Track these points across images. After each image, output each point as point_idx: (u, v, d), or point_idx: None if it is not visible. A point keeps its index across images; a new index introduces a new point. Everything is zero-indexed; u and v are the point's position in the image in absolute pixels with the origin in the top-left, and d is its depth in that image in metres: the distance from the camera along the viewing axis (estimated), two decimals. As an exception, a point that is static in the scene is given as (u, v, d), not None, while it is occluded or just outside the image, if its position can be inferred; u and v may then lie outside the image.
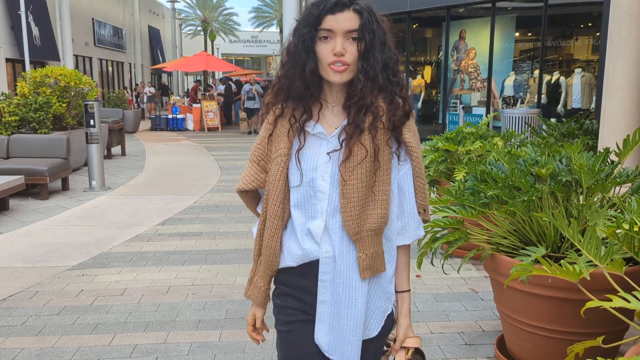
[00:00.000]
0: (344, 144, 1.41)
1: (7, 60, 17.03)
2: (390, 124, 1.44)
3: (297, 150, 1.46)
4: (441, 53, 12.85)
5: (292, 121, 1.46)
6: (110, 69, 27.35)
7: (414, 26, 13.45)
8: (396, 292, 1.56)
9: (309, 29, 1.40)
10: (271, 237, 1.48)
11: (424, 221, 1.57)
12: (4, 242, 5.33)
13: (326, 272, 1.46)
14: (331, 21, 1.37)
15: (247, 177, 1.53)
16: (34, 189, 7.64)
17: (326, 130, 1.47)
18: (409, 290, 1.58)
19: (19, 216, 6.40)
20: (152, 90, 24.84)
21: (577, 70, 10.34)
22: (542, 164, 2.76)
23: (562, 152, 2.90)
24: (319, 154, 1.46)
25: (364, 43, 1.38)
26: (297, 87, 1.43)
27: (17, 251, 5.04)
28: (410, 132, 1.48)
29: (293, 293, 1.53)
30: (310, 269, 1.48)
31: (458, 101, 12.21)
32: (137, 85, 27.43)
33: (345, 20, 1.37)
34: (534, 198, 2.58)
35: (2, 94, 9.31)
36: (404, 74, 13.58)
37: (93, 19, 24.58)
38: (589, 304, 1.67)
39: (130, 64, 30.44)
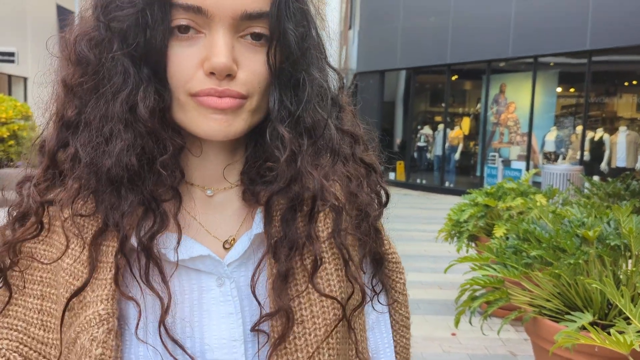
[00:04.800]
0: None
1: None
2: (358, 229, 0.69)
3: (149, 310, 0.60)
4: (479, 105, 12.85)
5: (119, 239, 0.58)
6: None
7: (454, 78, 13.54)
8: None
9: (144, 9, 0.54)
10: None
11: None
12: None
13: None
14: None
15: None
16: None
17: (213, 249, 0.63)
18: None
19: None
20: None
21: (622, 128, 10.17)
22: (589, 226, 2.67)
23: (609, 214, 2.81)
24: (210, 316, 0.62)
25: (287, 49, 0.59)
26: (106, 160, 0.56)
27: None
28: (387, 240, 0.78)
29: None
30: None
31: (497, 154, 12.10)
32: None
33: None
34: (580, 261, 2.49)
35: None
36: (441, 125, 13.58)
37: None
38: (642, 381, 1.58)
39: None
